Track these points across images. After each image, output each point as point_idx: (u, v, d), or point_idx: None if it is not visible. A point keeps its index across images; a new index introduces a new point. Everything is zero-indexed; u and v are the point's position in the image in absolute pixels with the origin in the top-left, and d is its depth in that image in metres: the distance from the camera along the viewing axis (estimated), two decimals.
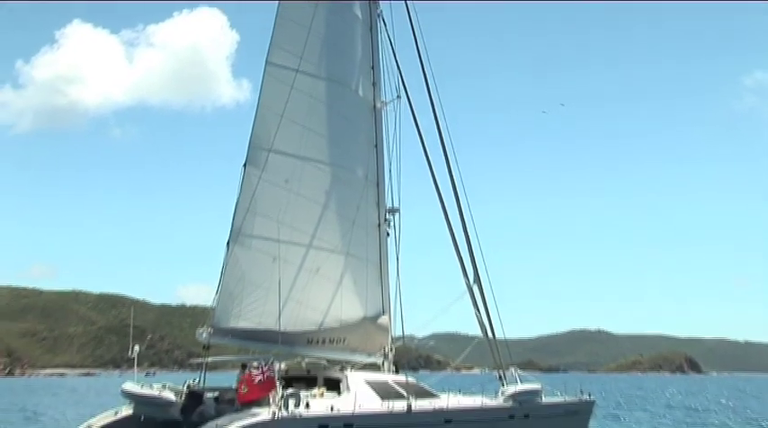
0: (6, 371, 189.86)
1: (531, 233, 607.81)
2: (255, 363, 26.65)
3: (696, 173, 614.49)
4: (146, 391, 27.12)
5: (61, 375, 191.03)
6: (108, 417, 28.31)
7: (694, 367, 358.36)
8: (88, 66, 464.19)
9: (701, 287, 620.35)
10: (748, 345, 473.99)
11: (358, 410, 25.99)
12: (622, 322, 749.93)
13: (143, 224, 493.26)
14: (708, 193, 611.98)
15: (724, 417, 50.11)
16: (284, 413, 24.79)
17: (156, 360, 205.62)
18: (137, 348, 29.19)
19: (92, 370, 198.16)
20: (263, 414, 24.70)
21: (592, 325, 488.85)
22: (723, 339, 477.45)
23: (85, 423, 28.77)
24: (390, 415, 26.65)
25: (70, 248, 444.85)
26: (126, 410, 27.99)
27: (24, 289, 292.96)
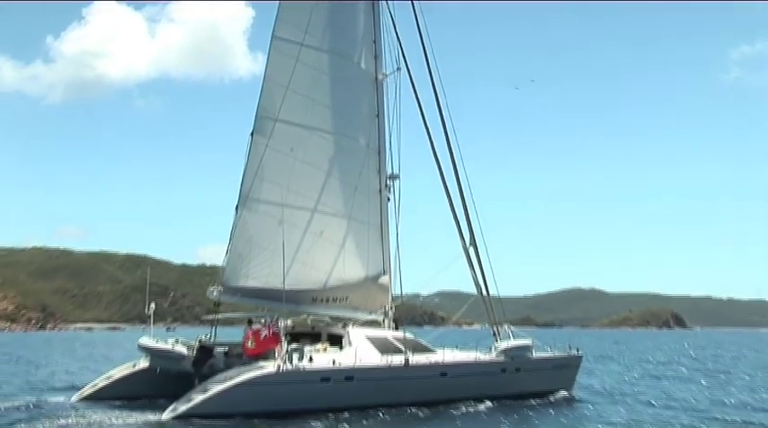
0: (39, 326, 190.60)
1: (531, 196, 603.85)
2: (262, 320, 26.68)
3: (685, 139, 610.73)
4: (160, 345, 27.15)
5: (89, 329, 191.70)
6: (127, 369, 28.56)
7: (680, 322, 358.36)
8: (113, 41, 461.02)
9: (688, 248, 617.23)
10: (731, 302, 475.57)
11: (358, 364, 25.99)
12: (615, 281, 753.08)
13: (165, 189, 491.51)
14: (696, 159, 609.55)
15: (686, 369, 49.62)
16: (288, 366, 24.81)
17: (178, 315, 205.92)
18: (153, 305, 29.23)
19: (118, 325, 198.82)
20: (269, 367, 24.75)
21: (586, 284, 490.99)
22: (708, 296, 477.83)
23: (106, 374, 28.97)
24: (389, 369, 26.59)
25: (99, 211, 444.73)
26: (143, 363, 28.12)
27: (56, 250, 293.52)
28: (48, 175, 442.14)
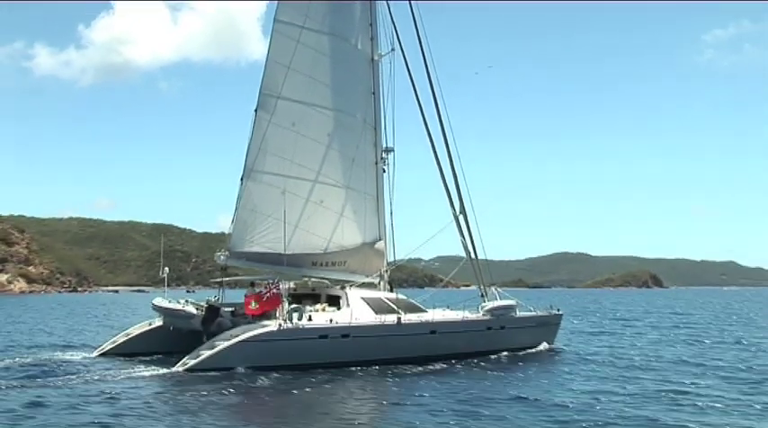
0: (71, 289, 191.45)
1: (524, 168, 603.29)
2: (265, 282, 26.48)
3: (662, 115, 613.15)
4: (171, 305, 27.22)
5: (116, 291, 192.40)
6: (143, 327, 28.69)
7: (657, 282, 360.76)
8: (139, 29, 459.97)
9: (666, 215, 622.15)
10: (704, 263, 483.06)
11: (354, 322, 25.85)
12: (600, 245, 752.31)
13: (187, 163, 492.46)
14: (674, 133, 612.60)
15: (645, 324, 49.20)
16: (288, 324, 24.70)
17: (199, 279, 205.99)
18: (167, 269, 29.46)
19: (143, 288, 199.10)
20: (271, 325, 24.63)
21: (573, 248, 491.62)
22: (683, 258, 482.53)
23: (125, 332, 28.96)
24: (382, 327, 26.44)
25: (128, 185, 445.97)
26: (158, 321, 28.10)
27: (90, 220, 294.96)
28: (82, 153, 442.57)
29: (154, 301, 28.23)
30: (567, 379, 24.07)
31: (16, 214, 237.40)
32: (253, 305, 25.67)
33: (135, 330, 28.77)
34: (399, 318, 26.86)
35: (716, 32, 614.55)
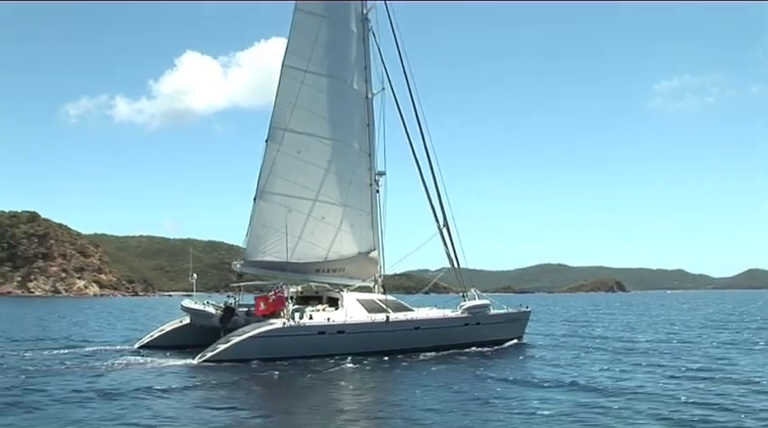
0: (133, 293, 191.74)
1: (518, 190, 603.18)
2: (273, 287, 25.64)
3: (621, 151, 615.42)
4: (194, 306, 26.76)
5: (170, 296, 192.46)
6: (176, 324, 27.95)
7: (621, 287, 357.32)
8: (197, 82, 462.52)
9: (630, 231, 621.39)
10: (659, 271, 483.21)
11: (348, 320, 24.87)
12: (576, 256, 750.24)
13: (236, 190, 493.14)
14: (632, 166, 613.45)
15: (599, 327, 47.45)
16: (291, 322, 23.76)
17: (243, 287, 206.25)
18: (195, 275, 28.75)
19: (190, 293, 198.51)
20: (277, 323, 23.70)
21: (554, 260, 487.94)
22: (643, 267, 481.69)
23: (159, 327, 28.34)
24: (372, 324, 25.41)
25: (188, 208, 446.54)
26: (187, 319, 27.35)
27: (156, 237, 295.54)
28: (152, 184, 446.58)
29: (182, 303, 27.68)
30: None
31: (99, 232, 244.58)
32: (262, 306, 24.80)
33: (167, 327, 28.00)
34: (388, 317, 25.76)
35: (663, 83, 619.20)
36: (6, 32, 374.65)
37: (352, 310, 25.56)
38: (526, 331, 32.61)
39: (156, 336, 27.59)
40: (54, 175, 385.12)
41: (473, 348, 27.86)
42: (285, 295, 24.98)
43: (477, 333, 28.83)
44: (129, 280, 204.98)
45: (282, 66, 27.79)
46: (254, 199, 27.43)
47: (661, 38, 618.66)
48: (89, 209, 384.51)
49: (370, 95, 30.04)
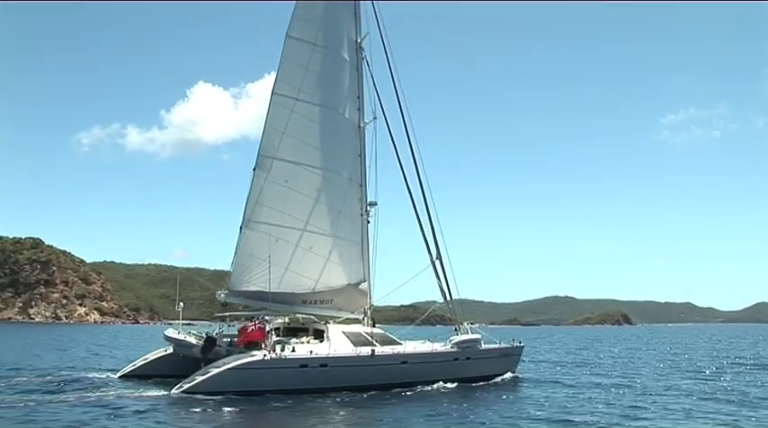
0: (133, 321, 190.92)
1: (525, 219, 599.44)
2: (253, 318, 25.15)
3: (630, 185, 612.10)
4: (175, 336, 26.35)
5: (170, 324, 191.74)
6: (159, 353, 27.39)
7: (627, 320, 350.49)
8: (207, 112, 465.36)
9: (638, 264, 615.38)
10: (667, 304, 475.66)
11: (332, 353, 24.15)
12: (584, 289, 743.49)
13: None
14: (636, 196, 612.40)
15: (604, 361, 46.33)
16: (272, 354, 23.06)
17: (249, 317, 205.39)
18: (181, 304, 28.34)
19: (192, 322, 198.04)
20: (258, 355, 23.03)
21: (561, 292, 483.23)
22: (651, 300, 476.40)
23: (143, 357, 27.74)
24: (357, 358, 24.66)
25: (197, 237, 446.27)
26: (171, 349, 26.79)
27: (164, 266, 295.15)
28: (162, 212, 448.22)
29: (165, 332, 27.07)
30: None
31: (108, 260, 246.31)
32: (241, 336, 24.23)
33: (151, 356, 27.42)
34: (374, 350, 25.06)
35: (669, 116, 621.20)
36: (23, 62, 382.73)
37: (336, 343, 24.90)
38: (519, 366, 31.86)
39: (138, 365, 27.01)
40: (65, 203, 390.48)
41: (462, 383, 27.10)
42: (266, 326, 24.40)
43: (466, 368, 28.10)
44: (134, 308, 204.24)
45: (272, 93, 27.48)
46: (240, 228, 26.96)
47: (668, 70, 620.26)
48: (99, 236, 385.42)
49: (362, 124, 29.70)
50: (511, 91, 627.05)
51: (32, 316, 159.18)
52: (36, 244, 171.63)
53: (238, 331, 24.99)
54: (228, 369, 22.29)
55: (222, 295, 26.88)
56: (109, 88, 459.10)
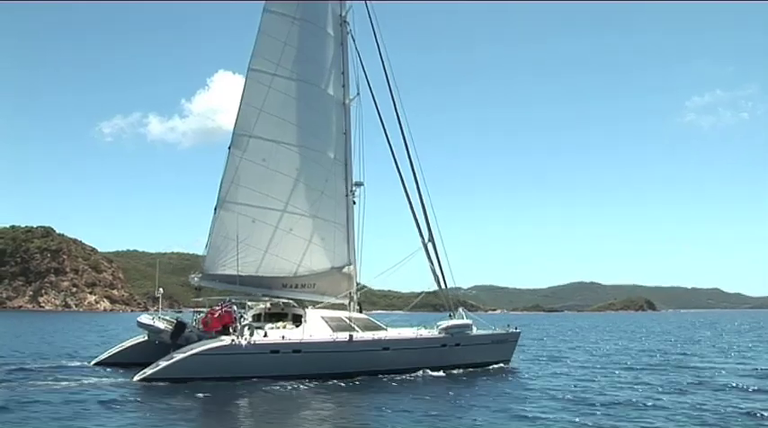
0: (143, 308, 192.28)
1: (553, 205, 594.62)
2: (223, 302, 24.51)
3: (655, 169, 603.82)
4: (145, 321, 25.75)
5: (179, 311, 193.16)
6: (135, 340, 26.87)
7: (651, 306, 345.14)
8: (228, 100, 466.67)
9: (664, 248, 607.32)
10: (694, 290, 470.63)
11: (306, 338, 23.45)
12: (610, 275, 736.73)
13: None
14: (663, 181, 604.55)
15: (611, 344, 45.10)
16: (240, 340, 22.31)
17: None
18: (161, 289, 27.57)
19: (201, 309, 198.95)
20: (225, 340, 22.36)
21: (587, 278, 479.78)
22: (677, 286, 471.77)
23: (119, 344, 27.45)
24: (333, 343, 23.95)
25: None
26: (146, 335, 26.28)
27: (188, 254, 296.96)
28: (184, 204, 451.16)
29: (138, 318, 26.50)
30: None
31: (131, 249, 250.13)
32: (208, 321, 23.68)
33: (127, 343, 27.00)
34: (351, 335, 24.34)
35: (695, 99, 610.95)
36: (44, 54, 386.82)
37: (313, 328, 24.21)
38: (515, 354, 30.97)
39: (113, 353, 26.61)
40: (88, 192, 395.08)
41: (449, 371, 26.31)
42: (234, 309, 23.71)
43: (455, 355, 27.24)
44: (152, 296, 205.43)
45: (248, 69, 26.73)
46: (215, 209, 26.27)
47: (692, 54, 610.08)
48: (123, 225, 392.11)
49: (347, 101, 28.84)
50: (533, 78, 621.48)
51: (42, 305, 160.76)
52: (47, 232, 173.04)
53: (205, 315, 24.32)
54: (193, 354, 21.77)
55: (195, 279, 26.22)
56: (130, 78, 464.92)
